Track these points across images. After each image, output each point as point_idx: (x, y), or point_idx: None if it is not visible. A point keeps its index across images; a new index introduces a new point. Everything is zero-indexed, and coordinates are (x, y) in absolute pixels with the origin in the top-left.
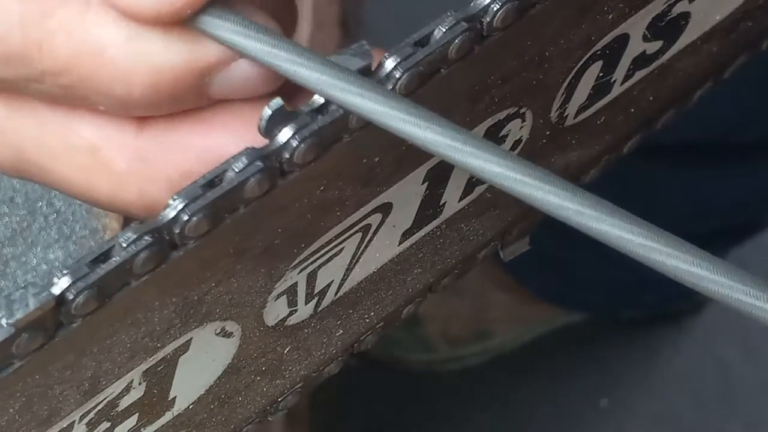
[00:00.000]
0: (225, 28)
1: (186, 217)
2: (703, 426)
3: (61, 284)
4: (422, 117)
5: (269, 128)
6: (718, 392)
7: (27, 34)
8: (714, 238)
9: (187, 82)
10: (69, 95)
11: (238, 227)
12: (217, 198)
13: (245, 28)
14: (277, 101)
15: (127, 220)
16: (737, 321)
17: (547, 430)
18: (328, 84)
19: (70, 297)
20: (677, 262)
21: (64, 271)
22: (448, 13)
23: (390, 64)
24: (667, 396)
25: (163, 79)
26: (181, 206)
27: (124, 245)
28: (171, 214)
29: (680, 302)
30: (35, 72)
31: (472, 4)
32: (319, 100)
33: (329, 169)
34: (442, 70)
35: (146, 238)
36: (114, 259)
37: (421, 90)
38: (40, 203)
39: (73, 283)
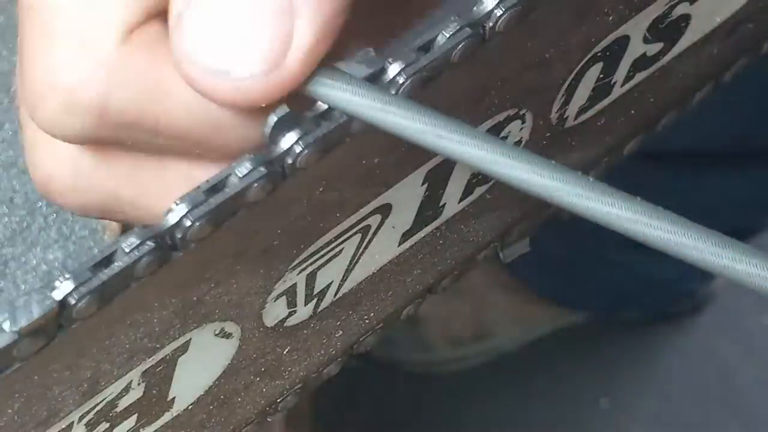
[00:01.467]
0: (334, 91)
1: (189, 223)
2: (703, 426)
3: (63, 289)
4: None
5: (274, 135)
6: (718, 392)
7: (145, 108)
8: None
9: None
10: (179, 152)
11: (238, 229)
12: (220, 204)
13: (353, 87)
14: (283, 108)
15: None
16: (737, 321)
17: (547, 430)
18: (447, 140)
19: (72, 302)
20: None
21: (67, 276)
22: (452, 18)
23: (394, 69)
24: (667, 396)
25: None
26: (184, 212)
27: (127, 250)
28: (174, 219)
29: (680, 303)
30: (147, 136)
31: (474, 9)
32: (322, 106)
33: (329, 170)
34: (443, 73)
35: (149, 242)
36: (117, 264)
37: (421, 91)
38: (40, 203)
39: (76, 288)
